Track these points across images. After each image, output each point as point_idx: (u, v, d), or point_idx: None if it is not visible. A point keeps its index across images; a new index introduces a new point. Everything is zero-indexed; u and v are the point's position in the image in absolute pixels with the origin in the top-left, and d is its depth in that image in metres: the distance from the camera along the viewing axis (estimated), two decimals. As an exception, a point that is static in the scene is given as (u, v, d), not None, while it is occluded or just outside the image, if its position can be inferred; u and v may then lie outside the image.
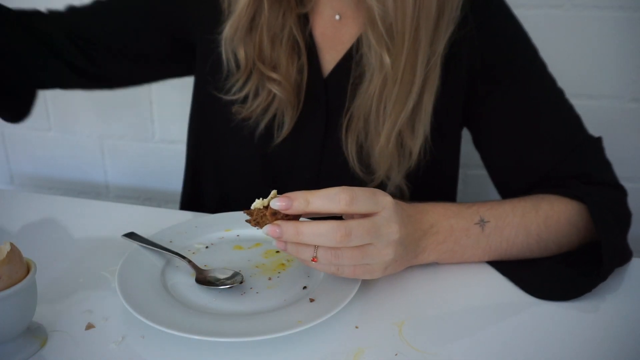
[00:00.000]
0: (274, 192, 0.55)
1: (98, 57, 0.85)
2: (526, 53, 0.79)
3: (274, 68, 0.79)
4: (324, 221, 0.54)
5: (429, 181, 0.84)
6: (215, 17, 0.81)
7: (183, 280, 0.62)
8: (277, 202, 0.53)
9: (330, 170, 0.83)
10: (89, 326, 0.55)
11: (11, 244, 0.50)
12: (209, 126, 0.90)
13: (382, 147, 0.75)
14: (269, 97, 0.80)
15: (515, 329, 0.56)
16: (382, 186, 0.78)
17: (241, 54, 0.79)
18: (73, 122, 1.50)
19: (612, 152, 0.77)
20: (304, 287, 0.60)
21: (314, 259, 0.55)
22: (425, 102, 0.74)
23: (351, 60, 0.78)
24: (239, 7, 0.76)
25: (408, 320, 0.57)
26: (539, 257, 0.69)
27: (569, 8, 1.08)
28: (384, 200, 0.57)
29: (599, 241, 0.64)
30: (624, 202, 0.74)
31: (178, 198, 0.99)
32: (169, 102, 1.39)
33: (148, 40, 0.87)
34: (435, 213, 0.65)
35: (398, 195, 0.80)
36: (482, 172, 1.04)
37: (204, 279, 0.61)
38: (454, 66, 0.77)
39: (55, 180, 1.58)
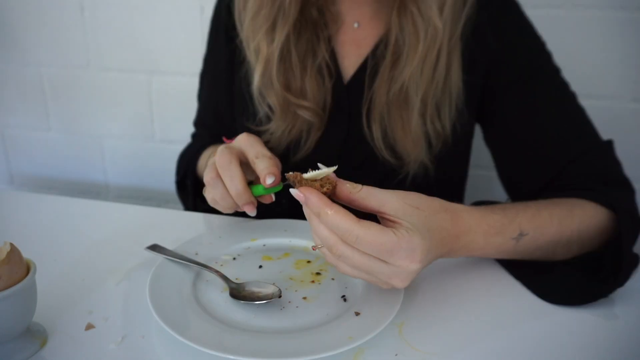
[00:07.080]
0: (330, 169, 0.51)
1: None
2: (541, 54, 0.80)
3: (303, 95, 0.79)
4: (349, 217, 0.49)
5: (440, 172, 0.82)
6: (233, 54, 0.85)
7: (216, 295, 0.59)
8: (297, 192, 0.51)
9: (354, 165, 0.83)
10: (89, 326, 0.55)
11: (11, 244, 0.50)
12: None
13: (409, 133, 0.76)
14: (294, 120, 0.80)
15: (517, 330, 0.56)
16: (407, 168, 0.79)
17: (273, 99, 0.78)
18: (73, 122, 1.50)
19: (613, 152, 0.77)
20: (343, 298, 0.58)
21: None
22: (452, 81, 0.76)
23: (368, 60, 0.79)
24: (263, 54, 0.76)
25: (408, 320, 0.57)
26: (552, 260, 0.67)
27: (569, 8, 1.08)
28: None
29: (612, 245, 0.64)
30: (635, 202, 0.73)
31: (178, 198, 0.99)
32: (169, 102, 1.39)
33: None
34: (478, 233, 0.59)
35: (422, 172, 0.79)
36: (483, 173, 1.03)
37: (239, 294, 0.58)
38: (478, 50, 0.77)
39: (55, 180, 1.58)
